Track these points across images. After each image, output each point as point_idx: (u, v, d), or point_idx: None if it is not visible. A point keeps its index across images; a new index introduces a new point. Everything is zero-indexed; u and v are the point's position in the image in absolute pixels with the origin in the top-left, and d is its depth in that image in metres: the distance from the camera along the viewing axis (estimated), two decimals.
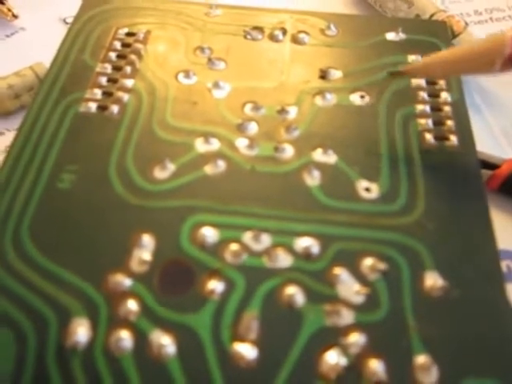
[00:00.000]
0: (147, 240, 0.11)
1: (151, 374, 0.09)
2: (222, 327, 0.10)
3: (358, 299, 0.10)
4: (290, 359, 0.09)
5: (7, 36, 0.20)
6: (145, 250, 0.10)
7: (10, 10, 0.20)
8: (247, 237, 0.11)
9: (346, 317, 0.10)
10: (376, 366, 0.09)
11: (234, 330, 0.10)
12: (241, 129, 0.12)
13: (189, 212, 0.11)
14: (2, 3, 0.20)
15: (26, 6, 0.21)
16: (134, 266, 0.10)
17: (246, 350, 0.09)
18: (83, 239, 0.11)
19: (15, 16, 0.20)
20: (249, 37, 0.15)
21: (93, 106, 0.13)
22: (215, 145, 0.12)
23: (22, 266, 0.10)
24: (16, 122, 0.17)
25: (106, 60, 0.14)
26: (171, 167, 0.12)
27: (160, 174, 0.12)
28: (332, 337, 0.10)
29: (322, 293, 0.10)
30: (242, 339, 0.10)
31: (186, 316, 0.10)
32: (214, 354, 0.09)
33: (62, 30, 0.20)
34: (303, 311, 0.10)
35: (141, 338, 0.09)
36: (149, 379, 0.09)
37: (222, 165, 0.12)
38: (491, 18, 0.21)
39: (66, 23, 0.20)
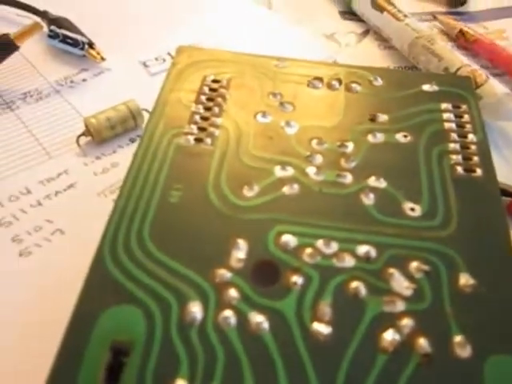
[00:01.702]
0: (242, 243, 0.14)
1: (251, 344, 0.12)
2: (303, 311, 0.13)
3: (408, 292, 0.13)
4: (357, 336, 0.12)
5: (95, 75, 0.24)
6: (240, 251, 0.13)
7: (99, 53, 0.23)
8: (319, 243, 0.14)
9: (399, 305, 0.13)
10: (423, 342, 0.12)
11: (312, 313, 0.12)
12: (309, 159, 0.16)
13: (272, 223, 0.14)
14: (92, 48, 0.23)
15: (111, 50, 0.24)
16: (233, 263, 0.13)
17: (323, 328, 0.12)
18: (193, 241, 0.14)
19: (103, 59, 0.23)
20: (311, 85, 0.18)
21: (191, 139, 0.16)
22: (290, 171, 0.15)
23: (146, 261, 0.13)
24: (109, 148, 0.20)
25: (199, 101, 0.17)
26: (256, 188, 0.15)
27: (248, 192, 0.15)
28: (389, 320, 0.12)
29: (380, 287, 0.13)
30: (319, 320, 0.12)
31: (275, 302, 0.13)
32: (298, 330, 0.12)
33: (142, 72, 0.24)
34: (365, 300, 0.13)
35: (241, 317, 0.12)
36: (250, 348, 0.12)
37: (296, 187, 0.15)
38: None
39: (146, 66, 0.24)
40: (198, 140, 0.16)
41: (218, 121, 0.17)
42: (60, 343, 0.12)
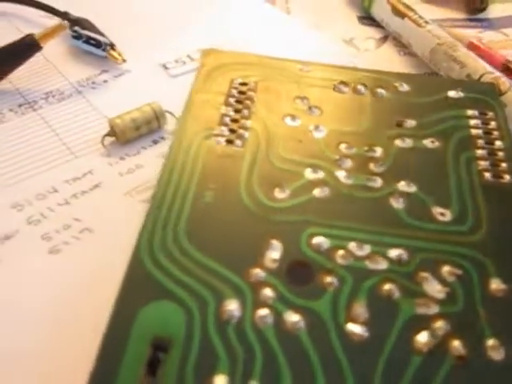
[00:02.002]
0: (276, 244, 0.14)
1: (288, 343, 0.12)
2: (338, 311, 0.13)
3: (440, 295, 0.13)
4: (392, 337, 0.12)
5: (115, 76, 0.24)
6: (274, 251, 0.14)
7: (120, 54, 0.24)
8: (352, 245, 0.14)
9: (432, 308, 0.13)
10: (457, 344, 0.12)
11: (347, 313, 0.13)
12: (339, 163, 0.16)
13: (305, 225, 0.14)
14: (114, 49, 0.24)
15: (130, 52, 0.24)
16: (268, 263, 0.13)
17: (358, 329, 0.12)
18: (227, 241, 0.14)
19: (124, 60, 0.24)
20: (336, 90, 0.18)
21: (221, 140, 0.16)
22: (320, 174, 0.15)
23: (183, 258, 0.13)
24: (133, 149, 0.20)
25: (228, 104, 0.17)
26: (287, 190, 0.15)
27: (279, 194, 0.15)
28: (422, 322, 0.13)
29: (413, 289, 0.13)
30: (354, 321, 0.13)
31: (310, 302, 0.13)
32: (334, 330, 0.12)
33: (162, 74, 0.24)
34: (399, 302, 0.13)
35: (278, 316, 0.13)
36: (287, 346, 0.12)
37: (326, 190, 0.15)
38: None
39: (166, 68, 0.24)
40: (229, 142, 0.16)
41: (248, 123, 0.17)
42: (102, 338, 0.12)
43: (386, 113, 0.18)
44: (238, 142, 0.16)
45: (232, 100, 0.17)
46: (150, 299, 0.12)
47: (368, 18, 0.28)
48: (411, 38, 0.24)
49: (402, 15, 0.25)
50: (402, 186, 0.15)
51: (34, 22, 0.27)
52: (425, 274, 0.13)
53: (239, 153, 0.16)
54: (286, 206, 0.15)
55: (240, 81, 0.18)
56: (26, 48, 0.22)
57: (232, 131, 0.16)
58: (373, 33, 0.27)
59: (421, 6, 0.27)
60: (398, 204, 0.15)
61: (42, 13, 0.27)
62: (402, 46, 0.25)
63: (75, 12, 0.26)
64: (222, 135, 0.16)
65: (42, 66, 0.24)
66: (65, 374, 0.14)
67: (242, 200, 0.15)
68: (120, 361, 0.11)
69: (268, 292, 0.13)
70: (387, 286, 0.13)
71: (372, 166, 0.16)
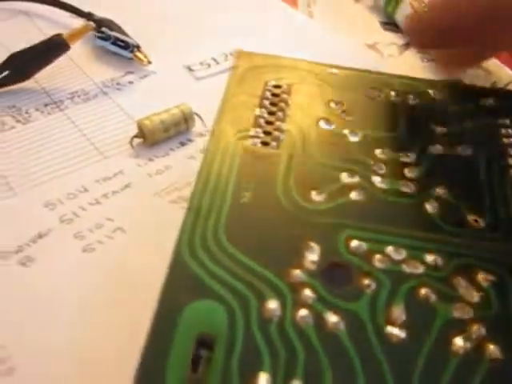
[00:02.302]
0: (314, 246, 0.14)
1: (329, 342, 0.12)
2: (376, 313, 0.13)
3: (476, 299, 0.13)
4: (429, 339, 0.12)
5: (141, 78, 0.24)
6: (313, 253, 0.14)
7: (145, 56, 0.24)
8: (389, 249, 0.14)
9: (468, 312, 0.13)
10: (492, 348, 0.12)
11: (385, 315, 0.13)
12: (373, 168, 0.16)
13: (342, 227, 0.14)
14: (139, 50, 0.24)
15: (155, 53, 0.25)
16: (307, 264, 0.14)
17: (396, 331, 0.13)
18: (266, 241, 0.14)
19: (149, 62, 0.24)
20: (368, 95, 0.19)
21: (257, 141, 0.16)
22: (356, 178, 0.16)
23: (224, 259, 0.13)
24: (161, 151, 0.21)
25: (262, 106, 0.18)
26: (324, 192, 0.15)
27: (316, 197, 0.15)
28: (459, 325, 0.13)
29: (449, 293, 0.13)
30: (392, 323, 0.13)
31: (349, 303, 0.13)
32: (373, 331, 0.13)
33: (187, 76, 0.24)
34: (436, 306, 0.13)
35: (318, 316, 0.13)
36: (328, 346, 0.12)
37: (362, 193, 0.15)
38: None
39: (191, 70, 0.24)
40: (265, 143, 0.16)
41: (283, 125, 0.17)
42: (148, 334, 0.12)
43: (418, 119, 0.18)
44: (274, 143, 0.16)
45: (266, 102, 0.18)
46: (194, 297, 0.13)
47: (390, 24, 0.28)
48: None
49: None
50: (436, 192, 0.16)
51: (56, 21, 0.27)
52: (459, 279, 0.14)
53: (275, 154, 0.16)
54: (322, 209, 0.15)
55: (274, 83, 0.18)
56: (55, 48, 0.22)
57: (267, 133, 0.17)
58: (395, 38, 0.27)
59: None
60: (432, 209, 0.15)
61: (64, 13, 0.27)
62: (425, 53, 0.26)
63: (97, 13, 0.26)
64: (258, 137, 0.17)
65: (66, 66, 0.24)
66: (103, 372, 0.14)
67: (280, 201, 0.15)
68: (166, 357, 0.12)
69: (308, 293, 0.13)
70: (424, 290, 0.13)
71: (406, 171, 0.16)
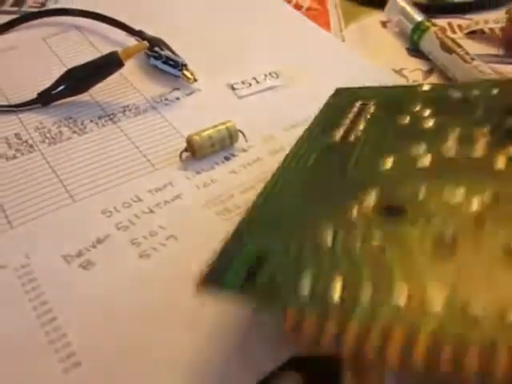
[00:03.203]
0: None
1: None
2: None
3: None
4: None
5: (187, 94, 0.26)
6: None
7: (192, 74, 0.25)
8: None
9: None
10: None
11: None
12: None
13: None
14: (187, 69, 0.25)
15: (201, 72, 0.26)
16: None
17: None
18: None
19: (196, 80, 0.25)
20: None
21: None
22: None
23: None
24: (207, 164, 0.22)
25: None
26: None
27: None
28: None
29: None
30: None
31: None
32: None
33: (230, 94, 0.26)
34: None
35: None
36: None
37: None
38: None
39: (233, 89, 0.26)
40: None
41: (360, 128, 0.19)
42: (220, 247, 0.14)
43: None
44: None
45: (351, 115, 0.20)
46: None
47: (416, 51, 0.29)
48: (457, 72, 0.26)
49: (450, 51, 0.27)
50: None
51: (106, 36, 0.29)
52: None
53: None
54: None
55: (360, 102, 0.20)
56: (110, 64, 0.24)
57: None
58: (420, 64, 0.28)
59: (462, 41, 0.28)
60: None
61: (116, 29, 0.29)
62: (448, 79, 0.27)
63: (146, 30, 0.28)
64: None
65: (117, 81, 0.26)
66: (158, 371, 0.15)
67: None
68: (229, 266, 0.14)
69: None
70: None
71: None
